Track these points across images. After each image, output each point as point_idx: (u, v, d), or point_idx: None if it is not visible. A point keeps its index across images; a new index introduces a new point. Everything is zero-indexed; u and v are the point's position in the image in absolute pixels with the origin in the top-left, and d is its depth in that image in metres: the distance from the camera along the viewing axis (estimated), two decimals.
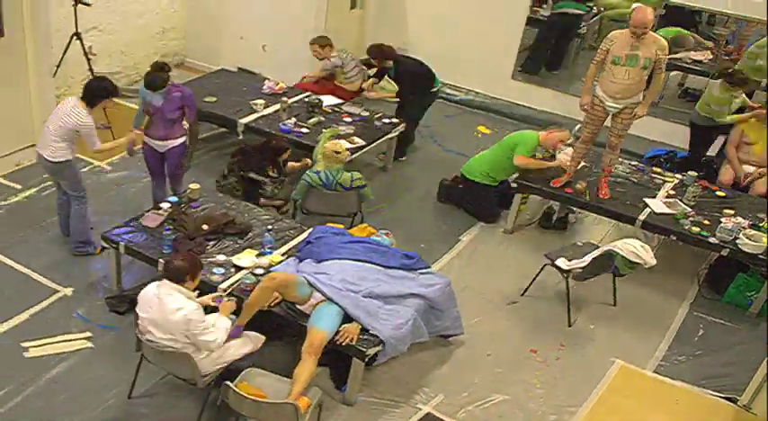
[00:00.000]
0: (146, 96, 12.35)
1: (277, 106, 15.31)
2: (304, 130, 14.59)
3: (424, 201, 14.58)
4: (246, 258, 11.10)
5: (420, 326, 10.41)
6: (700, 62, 16.94)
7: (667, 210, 12.84)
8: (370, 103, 16.71)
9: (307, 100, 15.44)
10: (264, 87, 16.20)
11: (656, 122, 16.69)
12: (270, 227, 11.80)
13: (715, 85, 14.57)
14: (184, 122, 12.65)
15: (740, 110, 14.52)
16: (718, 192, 13.57)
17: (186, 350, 9.05)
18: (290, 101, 15.41)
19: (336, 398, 10.28)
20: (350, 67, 16.53)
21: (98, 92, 11.50)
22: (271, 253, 11.25)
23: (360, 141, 14.17)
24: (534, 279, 12.53)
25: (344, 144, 13.01)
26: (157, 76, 12.10)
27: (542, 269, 12.42)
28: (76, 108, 11.38)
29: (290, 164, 13.46)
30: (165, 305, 8.94)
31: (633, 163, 14.76)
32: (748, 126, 14.12)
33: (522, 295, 12.59)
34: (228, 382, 9.00)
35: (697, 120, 15.13)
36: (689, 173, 13.78)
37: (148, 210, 12.11)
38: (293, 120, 14.85)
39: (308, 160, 13.22)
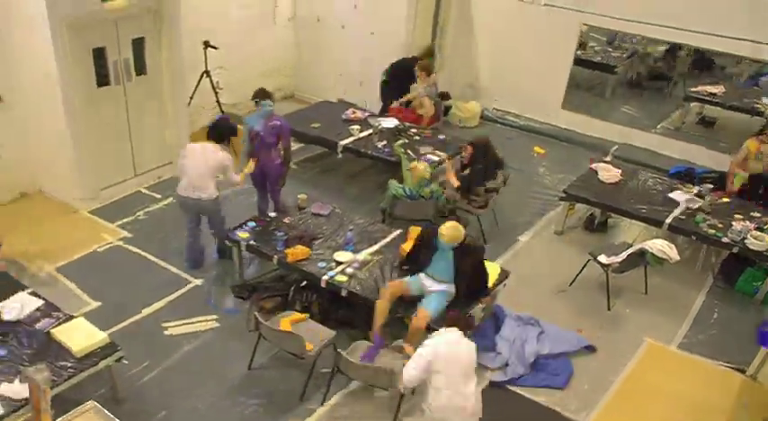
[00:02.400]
0: (249, 122, 12.43)
1: (370, 131, 15.31)
2: (389, 150, 14.53)
3: (491, 208, 14.44)
4: (345, 255, 11.17)
5: None
6: (714, 95, 16.77)
7: (689, 204, 12.96)
8: (445, 129, 16.77)
9: (394, 126, 15.37)
10: (343, 115, 16.31)
11: (679, 144, 16.61)
12: (351, 227, 11.98)
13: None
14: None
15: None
16: (725, 199, 13.45)
17: None
18: (381, 126, 15.35)
19: None
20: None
21: (226, 131, 11.54)
22: (352, 248, 11.38)
23: (441, 154, 14.07)
24: (580, 272, 12.41)
25: (425, 163, 13.04)
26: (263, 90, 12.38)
27: (586, 264, 12.33)
28: (216, 150, 11.44)
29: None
30: None
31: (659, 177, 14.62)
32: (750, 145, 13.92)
33: (570, 285, 12.51)
34: (340, 351, 9.23)
35: None
36: (705, 185, 13.71)
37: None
38: (384, 142, 14.85)
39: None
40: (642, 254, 11.65)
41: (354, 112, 16.38)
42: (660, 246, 11.47)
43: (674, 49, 17.50)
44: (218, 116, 11.66)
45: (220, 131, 11.47)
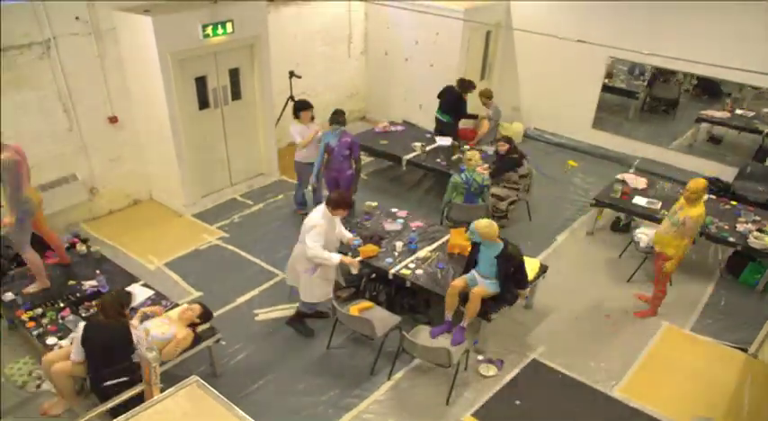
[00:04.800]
0: (325, 139, 12.54)
1: (429, 147, 15.28)
2: (446, 163, 14.53)
3: (531, 211, 14.45)
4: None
5: None
6: (721, 118, 16.62)
7: None
8: (493, 145, 16.68)
9: (449, 144, 15.37)
10: (376, 128, 16.58)
11: (691, 159, 16.50)
12: (414, 229, 11.93)
13: None
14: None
15: None
16: (726, 206, 13.34)
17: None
18: (438, 144, 15.39)
19: (472, 348, 10.22)
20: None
21: (300, 105, 11.96)
22: (416, 247, 11.30)
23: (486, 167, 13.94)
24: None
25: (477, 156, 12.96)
26: (336, 117, 12.40)
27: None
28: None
29: None
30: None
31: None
32: None
33: (628, 281, 12.39)
34: (405, 333, 9.20)
35: None
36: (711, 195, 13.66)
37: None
38: (441, 156, 14.78)
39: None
40: None
41: (385, 126, 16.59)
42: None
43: (678, 76, 17.41)
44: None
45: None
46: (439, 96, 16.08)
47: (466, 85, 15.61)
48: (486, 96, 16.07)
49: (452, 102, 15.89)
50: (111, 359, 7.88)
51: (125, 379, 7.76)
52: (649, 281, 12.14)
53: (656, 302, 11.50)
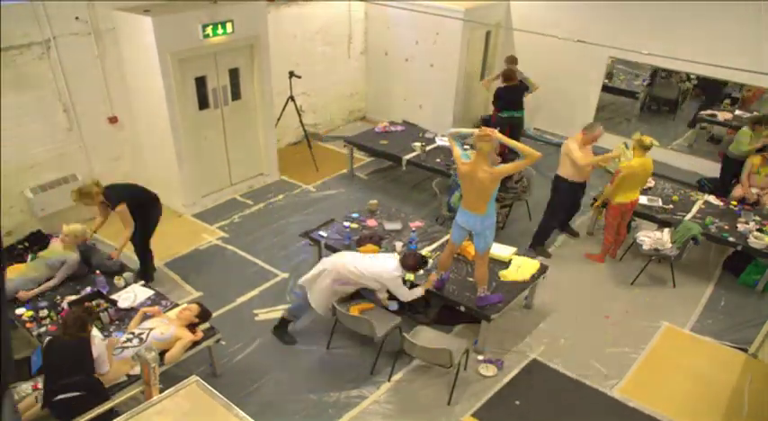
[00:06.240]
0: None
1: (430, 147, 15.29)
2: (446, 163, 14.46)
3: (531, 211, 14.40)
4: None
5: None
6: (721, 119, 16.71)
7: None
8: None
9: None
10: (376, 128, 16.56)
11: (691, 158, 16.63)
12: (414, 229, 11.91)
13: (745, 133, 14.25)
14: None
15: (762, 148, 14.19)
16: (731, 206, 13.35)
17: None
18: (438, 143, 15.39)
19: (472, 348, 10.20)
20: None
21: None
22: (416, 247, 11.28)
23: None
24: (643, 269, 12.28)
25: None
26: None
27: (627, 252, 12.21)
28: None
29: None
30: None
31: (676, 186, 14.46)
32: (754, 160, 13.89)
33: (632, 283, 12.35)
34: (405, 334, 9.18)
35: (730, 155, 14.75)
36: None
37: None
38: (441, 157, 14.76)
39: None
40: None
41: (385, 126, 16.58)
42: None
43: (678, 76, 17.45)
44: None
45: None
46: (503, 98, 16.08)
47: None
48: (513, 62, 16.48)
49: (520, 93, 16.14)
50: (62, 374, 7.55)
51: (76, 393, 7.43)
52: (652, 283, 12.24)
53: (603, 248, 12.27)
